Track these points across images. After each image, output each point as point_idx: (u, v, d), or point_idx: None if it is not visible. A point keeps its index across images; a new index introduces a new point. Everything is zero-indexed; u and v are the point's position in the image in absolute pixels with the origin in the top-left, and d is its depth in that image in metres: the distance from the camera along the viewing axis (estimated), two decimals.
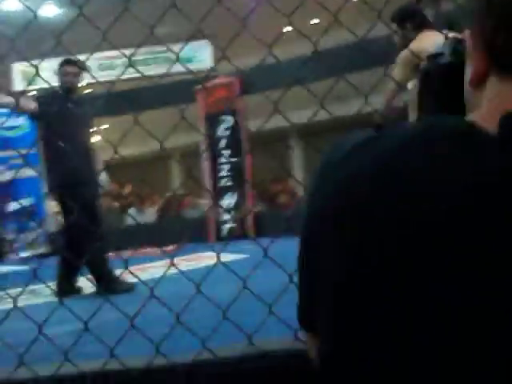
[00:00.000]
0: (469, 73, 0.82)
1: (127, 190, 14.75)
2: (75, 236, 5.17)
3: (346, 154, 0.75)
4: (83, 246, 4.94)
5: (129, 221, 13.05)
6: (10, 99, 5.48)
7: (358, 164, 0.72)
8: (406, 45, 4.43)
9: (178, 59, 2.17)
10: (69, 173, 4.87)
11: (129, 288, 5.32)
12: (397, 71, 4.35)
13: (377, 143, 0.73)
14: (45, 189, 11.09)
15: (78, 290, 5.77)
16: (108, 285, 5.37)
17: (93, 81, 11.16)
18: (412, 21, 4.58)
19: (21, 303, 2.25)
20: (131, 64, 2.19)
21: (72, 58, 5.70)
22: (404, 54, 4.36)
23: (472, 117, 0.75)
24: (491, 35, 0.75)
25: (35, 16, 2.23)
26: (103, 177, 6.19)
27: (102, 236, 5.55)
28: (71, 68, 5.73)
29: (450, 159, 0.66)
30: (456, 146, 0.67)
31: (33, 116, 5.76)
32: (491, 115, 0.71)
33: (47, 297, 5.35)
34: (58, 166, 5.29)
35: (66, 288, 5.57)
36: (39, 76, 2.15)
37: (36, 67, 2.27)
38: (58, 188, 5.57)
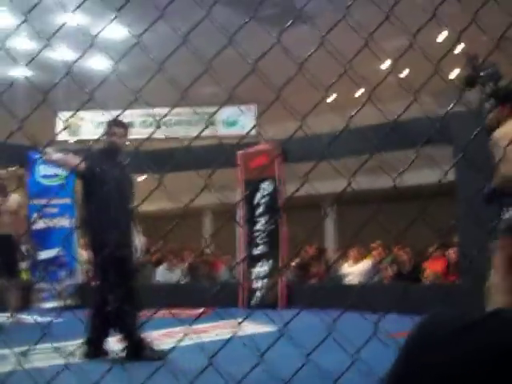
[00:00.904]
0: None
1: (157, 246, 14.73)
2: (107, 297, 5.14)
3: (448, 337, 0.72)
4: (115, 307, 4.92)
5: (158, 277, 12.98)
6: (59, 157, 5.54)
7: (469, 348, 0.69)
8: (498, 124, 4.44)
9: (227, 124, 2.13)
10: (109, 234, 4.90)
11: (160, 356, 5.20)
12: (499, 151, 4.31)
13: (482, 329, 0.71)
14: (78, 241, 11.17)
15: (106, 353, 5.64)
16: (140, 350, 5.30)
17: (136, 137, 11.37)
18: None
19: (42, 363, 2.19)
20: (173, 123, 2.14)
21: (119, 119, 5.78)
22: (499, 133, 4.35)
23: None
24: None
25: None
26: (140, 240, 6.14)
27: (134, 299, 5.47)
28: (119, 129, 5.79)
29: None
30: None
31: (78, 174, 5.79)
32: None
33: (72, 356, 5.28)
34: (98, 226, 5.30)
35: (94, 350, 5.49)
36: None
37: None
38: (96, 246, 5.56)
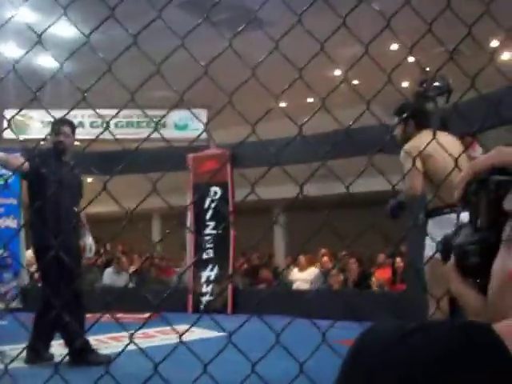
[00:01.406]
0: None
1: (105, 248, 14.60)
2: (51, 301, 5.05)
3: (392, 344, 0.72)
4: (59, 311, 4.84)
5: (105, 280, 12.83)
6: (1, 155, 5.42)
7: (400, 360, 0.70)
8: (406, 139, 4.65)
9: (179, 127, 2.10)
10: (53, 235, 4.82)
11: (105, 360, 5.14)
12: (408, 164, 4.42)
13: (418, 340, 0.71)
14: (24, 243, 10.97)
15: (50, 357, 5.54)
16: (84, 355, 5.23)
17: (84, 137, 11.23)
18: (415, 119, 4.77)
19: None
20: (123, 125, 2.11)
21: (65, 118, 5.68)
22: (408, 146, 4.53)
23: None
24: None
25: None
26: (90, 241, 6.05)
27: (80, 303, 5.39)
28: (65, 128, 5.70)
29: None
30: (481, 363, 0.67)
31: (23, 174, 5.68)
32: None
33: (17, 361, 5.17)
34: (43, 226, 5.20)
35: (38, 354, 5.37)
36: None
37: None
38: (40, 248, 5.45)
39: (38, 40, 1.95)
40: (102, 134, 2.39)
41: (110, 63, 1.99)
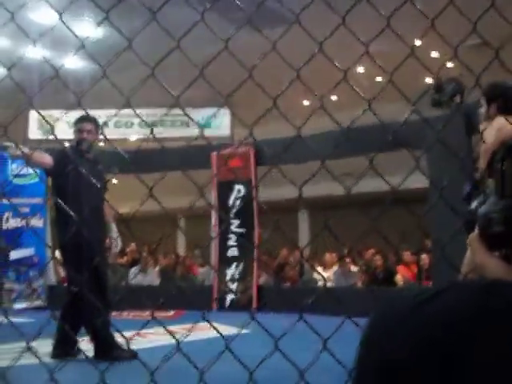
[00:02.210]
0: None
1: (131, 247, 14.66)
2: (78, 297, 5.07)
3: (412, 308, 0.72)
4: (85, 307, 4.87)
5: (131, 279, 12.90)
6: (26, 151, 5.46)
7: (430, 317, 0.70)
8: (488, 120, 4.56)
9: (201, 126, 2.11)
10: (79, 232, 4.84)
11: (131, 356, 5.16)
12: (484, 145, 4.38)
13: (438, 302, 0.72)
14: (50, 241, 11.05)
15: (77, 353, 5.58)
16: (109, 351, 5.26)
17: (109, 137, 11.28)
18: (501, 101, 4.66)
19: (14, 362, 2.15)
20: (149, 124, 2.12)
21: (88, 115, 5.71)
22: (486, 146, 4.43)
23: None
24: None
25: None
26: (115, 235, 6.09)
27: (105, 299, 5.43)
28: (87, 125, 5.72)
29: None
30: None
31: (47, 171, 5.72)
32: None
33: (43, 357, 5.21)
34: (68, 224, 5.22)
35: (63, 349, 5.41)
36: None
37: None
38: (66, 245, 5.49)
39: (81, 46, 1.97)
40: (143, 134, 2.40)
41: (153, 69, 1.99)
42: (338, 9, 1.95)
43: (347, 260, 12.10)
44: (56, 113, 12.10)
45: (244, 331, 2.07)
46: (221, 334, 1.96)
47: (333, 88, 2.01)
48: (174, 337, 2.04)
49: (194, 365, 1.90)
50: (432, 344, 0.68)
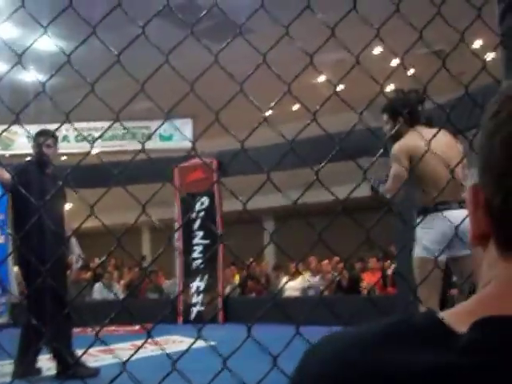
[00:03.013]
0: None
1: (94, 262, 14.53)
2: (38, 314, 5.00)
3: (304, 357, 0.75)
4: (46, 324, 4.79)
5: (95, 294, 12.79)
6: None
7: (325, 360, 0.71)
8: (397, 136, 4.46)
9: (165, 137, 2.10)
10: (37, 248, 4.76)
11: (92, 373, 5.10)
12: (394, 166, 4.38)
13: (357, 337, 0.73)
14: (10, 257, 10.89)
15: (38, 371, 5.50)
16: (71, 368, 5.20)
17: (68, 151, 11.19)
18: (407, 114, 4.61)
19: None
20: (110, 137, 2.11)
21: (47, 129, 5.65)
22: (398, 146, 4.41)
23: (449, 313, 0.71)
24: (490, 194, 0.73)
25: None
26: (77, 251, 6.02)
27: (66, 316, 5.35)
28: (46, 139, 5.66)
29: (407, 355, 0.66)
30: (416, 344, 0.67)
31: (5, 186, 5.64)
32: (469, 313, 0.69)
33: (4, 376, 5.13)
34: (26, 240, 5.14)
35: (25, 368, 5.31)
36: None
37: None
38: (24, 262, 5.42)
39: (19, 61, 1.94)
40: (90, 148, 2.37)
41: (94, 82, 1.98)
42: (289, 18, 1.97)
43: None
44: (16, 128, 11.98)
45: (211, 343, 2.05)
46: (168, 354, 1.94)
47: (276, 102, 2.02)
48: (118, 357, 2.02)
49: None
50: None
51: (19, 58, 1.99)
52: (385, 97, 2.35)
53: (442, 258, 4.13)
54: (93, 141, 2.09)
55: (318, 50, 1.95)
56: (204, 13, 1.98)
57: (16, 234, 5.68)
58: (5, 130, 2.24)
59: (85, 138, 11.46)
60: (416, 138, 4.24)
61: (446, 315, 0.70)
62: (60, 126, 2.40)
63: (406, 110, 4.56)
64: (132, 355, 2.00)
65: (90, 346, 2.02)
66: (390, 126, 4.64)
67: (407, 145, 4.40)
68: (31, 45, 2.08)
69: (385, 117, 4.67)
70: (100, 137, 2.61)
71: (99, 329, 2.06)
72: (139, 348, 2.05)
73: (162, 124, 2.45)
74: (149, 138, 10.62)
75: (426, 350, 0.65)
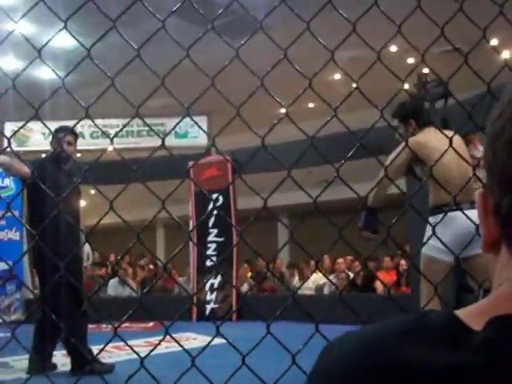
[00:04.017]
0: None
1: (110, 259, 14.59)
2: (53, 310, 5.01)
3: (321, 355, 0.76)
4: (61, 320, 4.80)
5: (109, 291, 12.83)
6: (5, 159, 5.36)
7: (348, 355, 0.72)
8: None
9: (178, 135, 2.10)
10: (53, 243, 4.77)
11: (108, 369, 5.12)
12: (393, 155, 4.33)
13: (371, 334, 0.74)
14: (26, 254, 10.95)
15: (53, 367, 5.53)
16: (86, 364, 5.22)
17: (85, 148, 11.22)
18: (415, 118, 4.64)
19: None
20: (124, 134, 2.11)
21: (67, 126, 5.66)
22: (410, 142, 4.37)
23: (464, 312, 0.72)
24: (497, 199, 0.73)
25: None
26: (87, 249, 6.04)
27: (82, 312, 5.38)
28: (68, 136, 5.67)
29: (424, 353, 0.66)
30: (432, 342, 0.67)
31: (25, 181, 5.66)
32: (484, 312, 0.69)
33: (19, 372, 5.16)
34: (43, 235, 5.15)
35: (40, 364, 5.34)
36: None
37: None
38: (40, 257, 5.43)
39: (38, 55, 1.95)
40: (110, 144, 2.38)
41: (114, 76, 1.98)
42: (305, 15, 1.96)
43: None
44: (32, 124, 12.02)
45: (224, 341, 2.06)
46: (184, 349, 1.94)
47: (297, 97, 2.01)
48: (136, 353, 2.03)
49: (157, 381, 1.89)
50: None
51: (39, 53, 1.99)
52: (407, 94, 2.34)
53: (451, 259, 4.07)
54: (112, 137, 2.08)
55: (338, 46, 1.94)
56: (224, 8, 1.97)
57: (31, 230, 5.70)
58: (23, 125, 2.25)
59: (103, 133, 11.47)
60: (427, 136, 4.24)
61: (461, 314, 0.71)
62: (78, 122, 2.41)
63: (416, 113, 4.58)
64: (151, 351, 2.01)
65: (109, 342, 2.03)
66: (402, 130, 4.65)
67: (415, 140, 4.37)
68: (50, 39, 2.08)
69: (396, 121, 4.67)
70: (119, 132, 2.61)
71: (118, 325, 2.06)
72: (157, 344, 2.06)
73: (180, 121, 2.46)
74: (167, 134, 10.59)
75: (442, 348, 0.66)
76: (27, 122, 2.16)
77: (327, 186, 1.96)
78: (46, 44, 2.06)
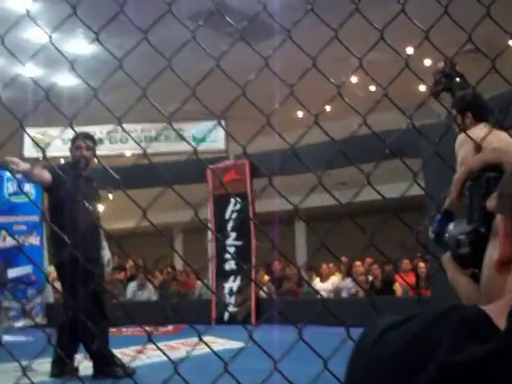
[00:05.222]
0: (492, 255, 0.82)
1: (129, 263, 14.63)
2: (75, 314, 5.05)
3: (378, 336, 0.77)
4: (83, 324, 4.85)
5: (128, 295, 12.88)
6: (26, 166, 5.41)
7: (387, 344, 0.74)
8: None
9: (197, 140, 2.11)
10: (75, 249, 4.80)
11: (130, 373, 5.15)
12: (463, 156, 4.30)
13: (403, 326, 0.76)
14: (46, 258, 11.05)
15: (75, 371, 5.55)
16: (108, 368, 5.24)
17: (102, 153, 11.27)
18: (474, 111, 4.67)
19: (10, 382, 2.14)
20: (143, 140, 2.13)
21: (86, 132, 5.71)
22: (462, 136, 4.33)
23: (489, 307, 0.75)
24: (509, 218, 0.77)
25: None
26: (108, 255, 6.07)
27: (103, 316, 5.42)
28: (87, 142, 5.71)
29: (452, 345, 0.69)
30: (461, 334, 0.70)
31: (45, 187, 5.71)
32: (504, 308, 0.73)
33: (42, 375, 5.20)
34: (63, 240, 5.18)
35: (62, 367, 5.38)
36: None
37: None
38: (61, 263, 5.47)
39: (71, 66, 1.97)
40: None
41: (146, 85, 1.99)
42: (330, 21, 1.96)
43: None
44: (51, 130, 12.09)
45: (237, 344, 2.06)
46: (217, 354, 1.95)
47: (327, 102, 2.02)
48: (169, 358, 2.04)
49: None
50: (380, 374, 0.72)
51: (70, 63, 2.01)
52: (433, 97, 2.34)
53: None
54: (147, 142, 2.09)
55: (367, 53, 1.94)
56: (252, 18, 1.99)
57: (53, 235, 5.75)
58: (60, 134, 2.27)
59: (133, 139, 11.52)
60: (477, 133, 4.23)
61: (487, 309, 0.74)
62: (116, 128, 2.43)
63: (474, 106, 4.61)
64: (187, 356, 2.02)
65: (144, 345, 2.04)
66: (460, 122, 4.69)
67: (494, 147, 4.29)
68: (77, 49, 2.11)
69: (454, 112, 4.73)
70: (155, 139, 2.63)
71: (152, 329, 2.07)
72: (193, 348, 2.07)
73: (213, 128, 2.47)
74: (201, 140, 10.64)
75: (474, 340, 0.68)
76: (62, 130, 2.18)
77: (359, 191, 1.97)
78: (71, 55, 2.08)
